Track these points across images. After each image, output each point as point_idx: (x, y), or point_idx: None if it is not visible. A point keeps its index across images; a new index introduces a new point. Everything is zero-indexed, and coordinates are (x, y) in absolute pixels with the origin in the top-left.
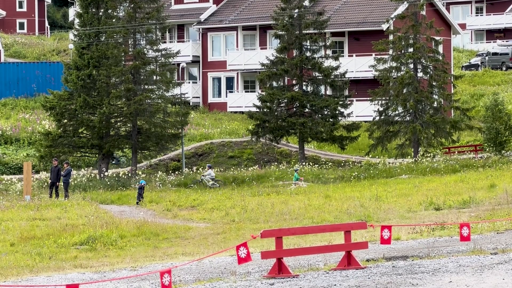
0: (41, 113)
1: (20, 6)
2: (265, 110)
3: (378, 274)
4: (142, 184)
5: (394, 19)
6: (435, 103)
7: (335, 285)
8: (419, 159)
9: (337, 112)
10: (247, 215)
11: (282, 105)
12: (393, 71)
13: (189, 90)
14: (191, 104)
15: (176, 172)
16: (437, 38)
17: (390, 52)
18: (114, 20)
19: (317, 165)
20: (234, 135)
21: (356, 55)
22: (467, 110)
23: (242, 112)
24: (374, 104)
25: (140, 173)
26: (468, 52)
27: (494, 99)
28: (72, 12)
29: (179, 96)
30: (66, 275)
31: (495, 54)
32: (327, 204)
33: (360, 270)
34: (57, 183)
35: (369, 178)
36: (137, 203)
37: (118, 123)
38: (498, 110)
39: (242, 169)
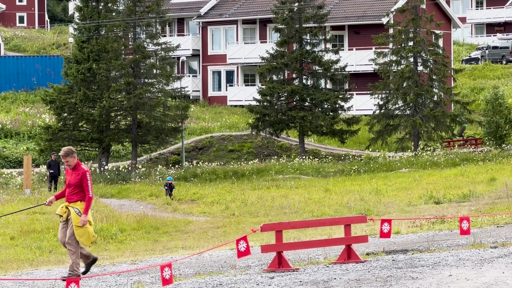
0: (41, 107)
1: (20, 0)
2: (265, 103)
3: (378, 267)
4: (169, 180)
5: (394, 13)
6: (435, 96)
7: (335, 278)
8: (419, 153)
9: (337, 105)
10: (247, 208)
11: (282, 98)
12: (393, 64)
13: (189, 84)
14: (191, 97)
15: (176, 166)
16: (437, 31)
17: (390, 45)
18: (114, 14)
19: (317, 159)
20: (234, 129)
21: (356, 49)
22: (467, 104)
23: (242, 106)
24: (374, 98)
25: (140, 166)
26: (468, 45)
27: (494, 92)
28: (72, 5)
29: (179, 89)
30: (66, 268)
31: (495, 47)
32: (327, 197)
33: (360, 264)
34: (58, 176)
35: (369, 172)
36: (170, 196)
37: (118, 117)
38: (498, 104)
39: (242, 163)
